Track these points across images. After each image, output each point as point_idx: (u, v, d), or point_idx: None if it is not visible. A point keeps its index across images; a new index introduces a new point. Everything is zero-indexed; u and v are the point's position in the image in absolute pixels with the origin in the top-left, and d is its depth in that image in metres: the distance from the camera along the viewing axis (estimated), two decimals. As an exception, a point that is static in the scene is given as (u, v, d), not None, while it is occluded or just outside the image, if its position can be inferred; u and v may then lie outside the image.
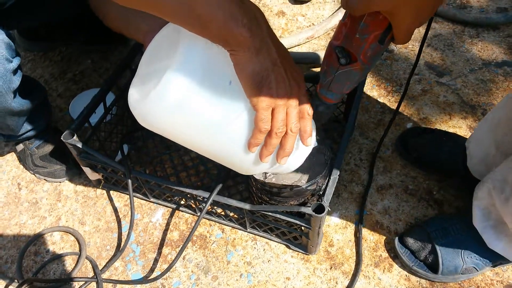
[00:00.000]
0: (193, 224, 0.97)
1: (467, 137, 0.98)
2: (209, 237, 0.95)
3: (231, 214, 0.92)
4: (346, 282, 0.87)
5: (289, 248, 0.92)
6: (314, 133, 0.70)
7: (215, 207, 0.93)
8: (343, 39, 0.61)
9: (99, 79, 1.27)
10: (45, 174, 1.05)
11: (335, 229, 0.94)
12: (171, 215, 0.99)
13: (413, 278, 0.87)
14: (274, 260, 0.91)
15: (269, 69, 0.54)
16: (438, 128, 1.07)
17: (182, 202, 0.98)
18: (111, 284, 0.90)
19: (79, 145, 0.89)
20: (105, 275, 0.91)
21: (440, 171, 0.99)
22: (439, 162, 0.97)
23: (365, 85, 1.05)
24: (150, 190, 0.96)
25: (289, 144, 0.62)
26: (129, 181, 0.89)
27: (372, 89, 1.18)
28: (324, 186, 0.84)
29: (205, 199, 0.86)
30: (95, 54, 1.33)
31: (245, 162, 0.66)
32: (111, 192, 1.04)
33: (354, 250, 0.91)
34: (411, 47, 1.27)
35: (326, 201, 0.76)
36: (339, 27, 0.62)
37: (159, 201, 1.00)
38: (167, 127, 0.61)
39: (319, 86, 0.69)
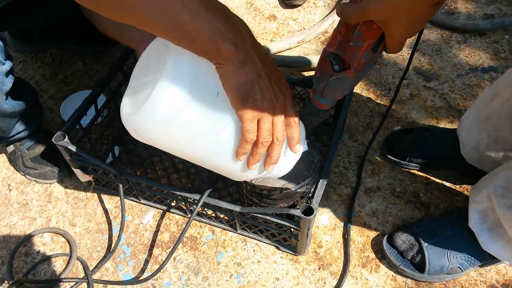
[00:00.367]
0: (183, 226, 0.98)
1: (445, 128, 1.04)
2: (200, 238, 0.96)
3: (222, 216, 0.93)
4: (334, 283, 0.89)
5: (279, 249, 0.93)
6: (303, 139, 0.71)
7: (206, 209, 0.94)
8: (337, 46, 0.62)
9: (90, 81, 1.28)
10: (36, 176, 1.06)
11: (324, 231, 0.96)
12: (162, 216, 1.00)
13: (400, 278, 0.89)
14: (263, 261, 0.92)
15: (254, 81, 0.56)
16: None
17: (173, 204, 0.98)
18: (102, 284, 0.91)
19: (70, 147, 0.90)
20: (96, 276, 0.91)
21: (434, 164, 1.01)
22: (432, 156, 1.00)
23: (354, 89, 1.07)
24: (141, 192, 0.97)
25: (276, 152, 0.64)
26: (120, 183, 0.89)
27: (361, 93, 1.20)
28: (313, 189, 0.85)
29: (196, 201, 0.87)
30: (86, 56, 1.34)
31: (234, 170, 0.68)
32: (102, 193, 1.05)
33: (342, 251, 0.93)
34: (400, 52, 1.29)
35: (315, 203, 0.78)
36: (333, 35, 0.63)
37: (150, 203, 1.00)
38: (158, 140, 0.63)
39: (312, 92, 0.70)
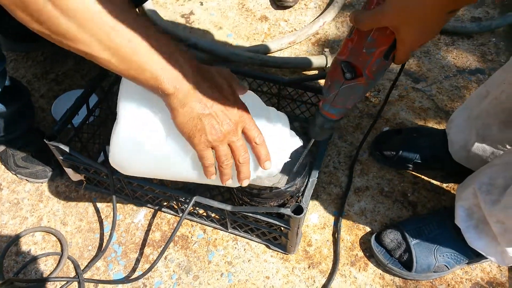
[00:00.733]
0: (175, 225, 0.99)
1: (433, 128, 1.07)
2: (191, 237, 0.97)
3: (213, 215, 0.94)
4: (323, 281, 0.90)
5: (269, 248, 0.94)
6: (289, 145, 0.74)
7: (197, 208, 0.94)
8: (349, 54, 0.62)
9: (82, 80, 1.28)
10: (27, 175, 1.06)
11: (314, 230, 0.97)
12: (153, 216, 1.01)
13: (387, 277, 0.90)
14: (254, 260, 0.93)
15: (197, 117, 0.60)
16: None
17: (165, 203, 0.99)
18: (93, 284, 0.91)
19: (62, 146, 0.90)
20: (87, 275, 0.92)
21: (422, 164, 1.03)
22: (420, 156, 1.02)
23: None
24: (133, 191, 0.98)
25: (244, 171, 0.67)
26: (112, 182, 0.90)
27: (351, 94, 1.21)
28: (303, 188, 0.87)
29: (187, 200, 0.87)
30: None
31: (215, 182, 0.71)
32: (93, 193, 1.05)
33: (331, 249, 0.94)
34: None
35: (304, 203, 0.79)
36: (344, 43, 0.63)
37: (141, 202, 1.01)
38: (139, 171, 0.70)
39: (322, 102, 0.69)
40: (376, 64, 0.61)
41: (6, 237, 0.99)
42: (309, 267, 0.92)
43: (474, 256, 0.87)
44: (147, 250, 0.96)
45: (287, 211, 0.77)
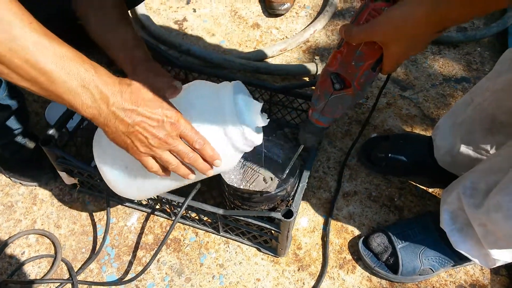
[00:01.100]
0: (167, 228, 1.01)
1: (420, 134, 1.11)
2: (183, 240, 0.99)
3: (205, 218, 0.96)
4: (313, 283, 0.92)
5: (260, 251, 0.96)
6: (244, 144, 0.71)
7: (190, 212, 0.96)
8: (338, 66, 0.65)
9: (76, 85, 1.29)
10: (21, 178, 1.07)
11: (304, 233, 1.00)
12: (146, 219, 1.02)
13: (374, 279, 0.93)
14: (245, 262, 0.95)
15: (123, 135, 0.63)
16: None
17: (157, 207, 1.01)
18: (86, 285, 0.92)
19: (56, 150, 0.92)
20: (80, 277, 0.93)
21: (409, 169, 1.06)
22: (407, 161, 1.05)
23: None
24: (126, 195, 0.99)
25: (198, 166, 0.68)
26: (106, 186, 0.91)
27: (341, 100, 1.24)
28: (293, 192, 0.89)
29: (180, 204, 0.89)
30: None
31: (190, 180, 0.75)
32: (87, 196, 1.06)
33: (320, 252, 0.97)
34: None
35: (294, 207, 0.81)
36: (333, 55, 0.66)
37: (134, 206, 1.03)
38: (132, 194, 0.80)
39: (312, 110, 0.73)
40: (364, 76, 0.64)
41: (0, 239, 1.00)
42: (298, 269, 0.94)
43: (458, 260, 0.90)
44: (140, 253, 0.97)
45: (277, 215, 0.80)
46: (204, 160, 0.68)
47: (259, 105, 0.70)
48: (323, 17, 1.44)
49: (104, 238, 0.95)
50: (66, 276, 0.94)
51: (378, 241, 0.94)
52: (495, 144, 0.89)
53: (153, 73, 0.75)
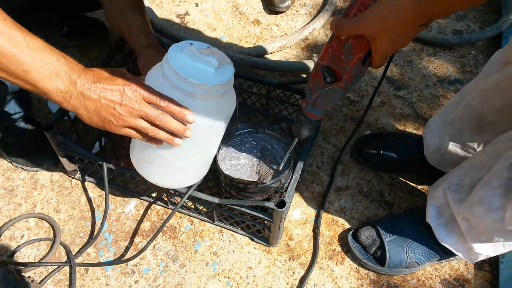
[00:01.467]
0: (164, 216, 1.04)
1: (411, 133, 1.16)
2: (179, 228, 1.02)
3: (201, 207, 0.99)
4: (303, 272, 0.96)
5: (253, 240, 1.00)
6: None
7: (186, 200, 0.99)
8: (329, 59, 0.68)
9: (78, 74, 1.31)
10: (22, 163, 1.10)
11: (296, 225, 1.03)
12: (144, 206, 1.05)
13: (362, 271, 0.97)
14: (238, 251, 0.99)
15: (94, 114, 0.69)
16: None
17: (154, 195, 1.04)
18: (84, 269, 0.96)
19: (59, 136, 0.94)
20: (78, 260, 0.96)
21: (399, 166, 1.10)
22: (397, 159, 1.08)
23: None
24: (125, 182, 1.02)
25: (172, 127, 0.71)
26: (105, 172, 0.94)
27: (337, 98, 1.28)
28: (287, 184, 0.92)
29: (177, 192, 0.92)
30: (74, 49, 1.37)
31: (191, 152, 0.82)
32: (86, 182, 1.09)
33: (311, 244, 1.00)
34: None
35: (287, 197, 0.85)
36: (325, 49, 0.69)
37: (133, 193, 1.06)
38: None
39: (305, 103, 0.76)
40: (354, 69, 0.66)
41: (0, 222, 1.03)
42: (289, 259, 0.98)
43: (443, 254, 0.93)
44: (136, 239, 1.00)
45: (270, 204, 0.83)
46: (175, 117, 0.71)
47: (192, 46, 0.75)
48: (323, 16, 1.46)
49: (102, 224, 0.98)
50: (64, 259, 0.97)
51: (367, 234, 0.97)
52: (483, 142, 0.93)
53: (151, 61, 0.80)
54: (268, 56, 1.39)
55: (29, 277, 0.88)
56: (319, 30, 1.47)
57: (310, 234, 1.02)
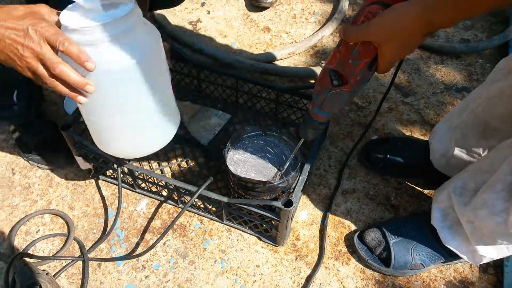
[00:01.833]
0: (174, 215, 1.07)
1: (418, 138, 1.18)
2: (189, 226, 1.05)
3: (210, 206, 1.02)
4: (309, 272, 0.98)
5: (260, 239, 1.02)
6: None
7: (196, 200, 1.02)
8: (336, 64, 0.70)
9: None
10: (39, 161, 1.13)
11: (303, 225, 1.05)
12: (155, 205, 1.08)
13: (368, 271, 0.98)
14: (246, 250, 1.01)
15: (1, 52, 0.64)
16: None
17: (165, 194, 1.07)
18: (96, 263, 0.99)
19: (75, 136, 0.98)
20: (91, 255, 0.99)
21: (405, 171, 1.12)
22: (404, 163, 1.11)
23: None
24: (137, 181, 1.05)
25: (70, 79, 0.64)
26: (119, 171, 0.98)
27: (344, 103, 1.30)
28: (294, 185, 0.95)
29: (187, 192, 0.95)
30: None
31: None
32: (100, 181, 1.13)
33: (317, 244, 1.02)
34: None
35: (294, 197, 0.87)
36: (333, 54, 0.71)
37: (144, 192, 1.09)
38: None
39: (312, 105, 0.78)
40: (361, 74, 0.69)
41: (17, 217, 1.06)
42: (296, 259, 1.00)
43: (448, 256, 0.95)
44: (147, 236, 1.03)
45: (278, 204, 0.85)
46: (75, 61, 0.64)
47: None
48: (331, 24, 1.50)
49: (114, 221, 1.01)
50: (78, 253, 1.00)
51: (373, 235, 0.99)
52: (488, 148, 0.95)
53: None
54: (277, 62, 1.43)
55: (44, 270, 0.91)
56: (328, 37, 1.50)
57: (316, 235, 1.04)
